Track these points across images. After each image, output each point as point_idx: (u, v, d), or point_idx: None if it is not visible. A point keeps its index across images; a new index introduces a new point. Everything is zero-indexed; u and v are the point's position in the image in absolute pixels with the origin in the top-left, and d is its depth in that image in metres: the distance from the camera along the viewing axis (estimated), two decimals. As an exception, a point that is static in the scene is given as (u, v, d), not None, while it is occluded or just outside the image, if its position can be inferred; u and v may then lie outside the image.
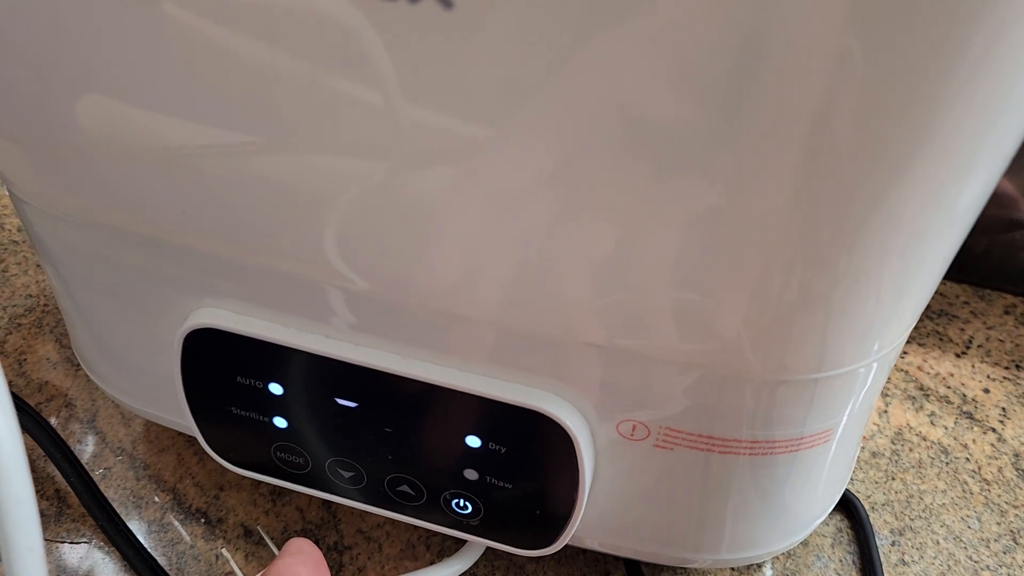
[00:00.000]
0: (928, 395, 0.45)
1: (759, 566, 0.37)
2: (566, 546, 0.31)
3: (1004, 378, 0.45)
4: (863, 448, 0.42)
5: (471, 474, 0.29)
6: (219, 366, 0.29)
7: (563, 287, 0.23)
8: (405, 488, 0.31)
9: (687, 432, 0.27)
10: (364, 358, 0.27)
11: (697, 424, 0.26)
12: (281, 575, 0.23)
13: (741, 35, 0.17)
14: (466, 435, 0.28)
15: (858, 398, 0.28)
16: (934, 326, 0.48)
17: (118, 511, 0.37)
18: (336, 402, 0.29)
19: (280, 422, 0.30)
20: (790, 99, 0.17)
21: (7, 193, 0.29)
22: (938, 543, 0.38)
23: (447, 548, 0.37)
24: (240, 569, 0.36)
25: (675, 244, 0.21)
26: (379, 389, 0.28)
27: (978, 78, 0.17)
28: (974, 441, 0.42)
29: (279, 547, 0.37)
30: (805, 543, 0.38)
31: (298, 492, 0.38)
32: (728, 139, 0.18)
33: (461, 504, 0.30)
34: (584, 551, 0.37)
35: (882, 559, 0.37)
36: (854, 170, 0.19)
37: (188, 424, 0.32)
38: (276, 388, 0.29)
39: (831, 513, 0.39)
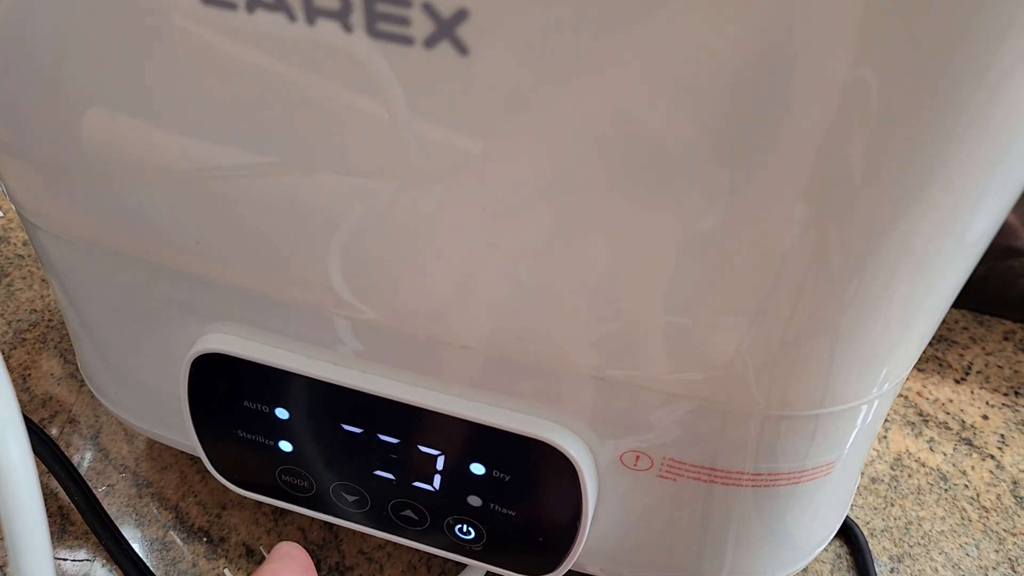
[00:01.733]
0: (927, 421, 0.45)
1: (758, 592, 0.37)
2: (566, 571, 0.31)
3: (1003, 404, 0.46)
4: (862, 473, 0.42)
5: (475, 500, 0.29)
6: (226, 390, 0.29)
7: (570, 321, 0.24)
8: (408, 513, 0.31)
9: (691, 464, 0.27)
10: (371, 386, 0.27)
11: (701, 456, 0.27)
12: None
13: (751, 60, 0.17)
14: (471, 462, 0.28)
15: (862, 430, 0.28)
16: (933, 351, 0.49)
17: (120, 529, 0.37)
18: (342, 428, 0.29)
19: (286, 446, 0.30)
20: (800, 126, 0.17)
21: (16, 212, 0.30)
22: (937, 570, 0.38)
23: (448, 570, 0.37)
24: (242, 589, 0.36)
25: (682, 276, 0.22)
26: (385, 416, 0.28)
27: (992, 108, 0.17)
28: (973, 468, 0.43)
29: (281, 567, 0.37)
30: (804, 570, 0.38)
31: (299, 513, 0.38)
32: (735, 163, 0.18)
33: (464, 529, 0.30)
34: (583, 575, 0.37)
35: (881, 586, 0.37)
36: (866, 198, 0.19)
37: (193, 445, 0.32)
38: (282, 413, 0.29)
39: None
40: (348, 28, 0.18)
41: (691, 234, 0.20)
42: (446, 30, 0.18)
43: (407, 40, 0.18)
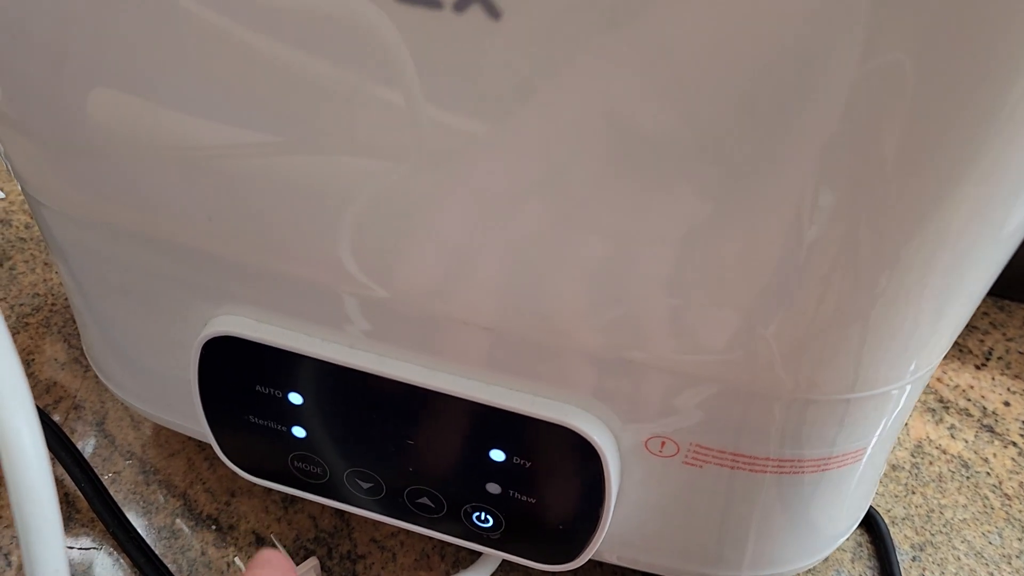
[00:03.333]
0: (948, 408, 0.44)
1: (778, 581, 0.37)
2: (585, 561, 0.30)
3: (1024, 391, 0.45)
4: (885, 461, 0.41)
5: (494, 488, 0.28)
6: (238, 375, 0.29)
7: (596, 302, 0.23)
8: (425, 500, 0.30)
9: (716, 450, 0.26)
10: (388, 369, 0.26)
11: (727, 442, 0.26)
12: None
13: (791, 41, 0.16)
14: (490, 449, 0.27)
15: (890, 419, 0.27)
16: (953, 337, 0.48)
17: (127, 516, 0.36)
18: (358, 413, 0.28)
19: (299, 432, 0.30)
20: (837, 113, 0.17)
21: (18, 194, 0.29)
22: (959, 559, 0.37)
23: (462, 559, 0.36)
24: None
25: (712, 258, 0.21)
26: (402, 401, 0.27)
27: None
28: (995, 455, 0.42)
29: (292, 556, 0.36)
30: (825, 558, 0.37)
31: (311, 500, 0.37)
32: (768, 148, 0.18)
33: (482, 517, 0.30)
34: (601, 564, 0.36)
35: (903, 575, 0.37)
36: (900, 187, 0.18)
37: (203, 431, 0.31)
38: (296, 398, 0.28)
39: (851, 527, 0.38)
40: (373, -10, 0.17)
41: (723, 219, 0.20)
42: (477, -8, 0.17)
43: (435, 3, 0.17)
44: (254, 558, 0.24)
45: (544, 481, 0.28)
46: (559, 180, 0.20)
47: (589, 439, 0.26)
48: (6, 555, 0.35)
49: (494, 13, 0.17)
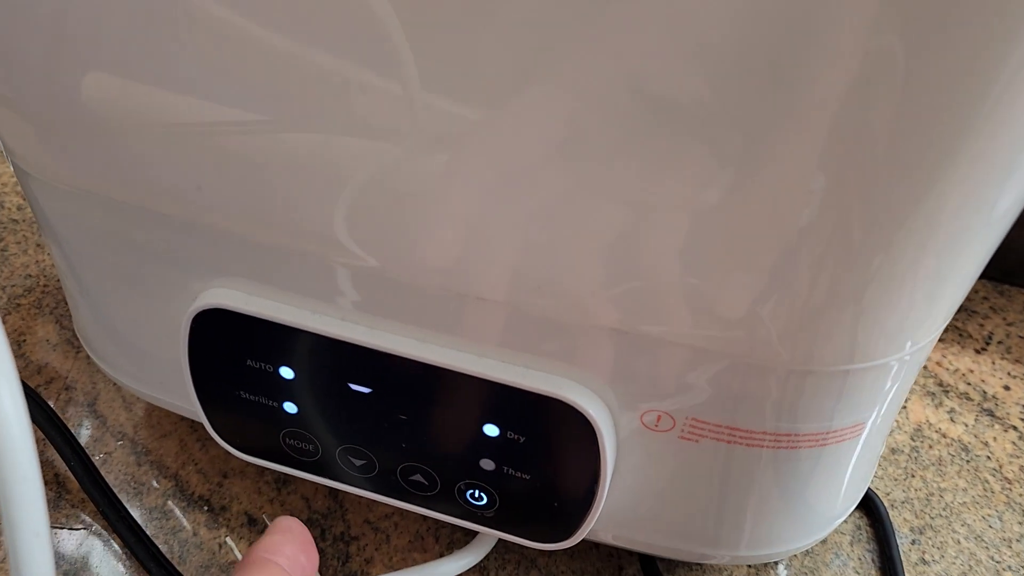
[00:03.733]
0: (948, 391, 0.44)
1: (776, 564, 0.36)
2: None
3: (1024, 375, 0.45)
4: (884, 442, 0.41)
5: (487, 464, 0.28)
6: (228, 349, 0.28)
7: (591, 273, 0.22)
8: (418, 478, 0.30)
9: (713, 423, 0.26)
10: (379, 342, 0.26)
11: (723, 415, 0.25)
12: (268, 550, 0.23)
13: (785, 25, 0.16)
14: (484, 424, 0.27)
15: (887, 395, 0.27)
16: (953, 321, 0.47)
17: (119, 497, 0.36)
18: (349, 387, 0.28)
19: (290, 407, 0.29)
20: (831, 96, 0.17)
21: (11, 167, 0.28)
22: (959, 542, 0.37)
23: (456, 540, 0.36)
24: (244, 558, 0.35)
25: (704, 230, 0.21)
26: (394, 374, 0.27)
27: (1020, 84, 0.17)
28: (995, 439, 0.41)
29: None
30: (823, 541, 0.37)
31: (304, 480, 0.37)
32: (762, 128, 0.18)
33: (476, 495, 0.29)
34: (597, 545, 0.36)
35: (902, 558, 0.36)
36: (893, 168, 0.18)
37: (194, 409, 0.31)
38: (287, 372, 0.28)
39: (849, 510, 0.38)
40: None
41: (718, 197, 0.20)
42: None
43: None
44: (274, 523, 0.24)
45: (538, 457, 0.27)
46: (555, 150, 0.20)
47: (584, 412, 0.25)
48: (-5, 535, 0.35)
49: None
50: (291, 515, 0.36)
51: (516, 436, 0.27)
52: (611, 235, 0.21)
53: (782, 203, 0.19)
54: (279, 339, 0.27)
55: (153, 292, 0.29)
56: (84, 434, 0.39)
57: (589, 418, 0.25)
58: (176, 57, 0.21)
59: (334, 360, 0.27)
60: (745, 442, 0.26)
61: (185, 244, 0.27)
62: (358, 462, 0.30)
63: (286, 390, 0.29)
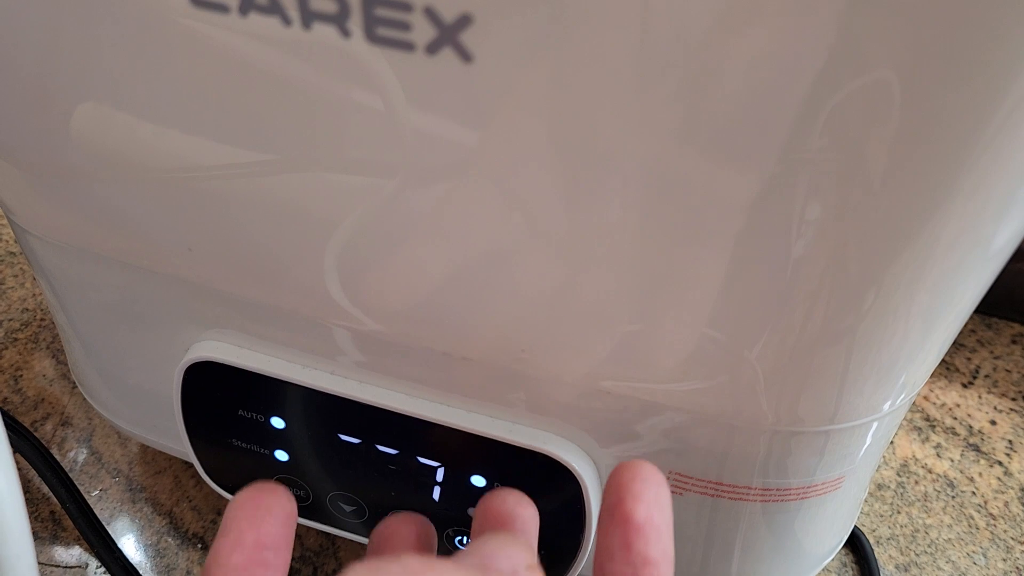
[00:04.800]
0: (934, 426, 0.44)
1: (763, 601, 0.37)
2: (569, 583, 0.30)
3: (1011, 409, 0.45)
4: (869, 481, 0.42)
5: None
6: (220, 399, 0.29)
7: (576, 334, 0.23)
8: (407, 524, 0.30)
9: (697, 478, 0.26)
10: (369, 396, 0.26)
11: (708, 471, 0.26)
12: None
13: (771, 62, 0.16)
14: (471, 474, 0.27)
15: (874, 444, 0.27)
16: (940, 354, 0.48)
17: (113, 533, 0.36)
18: (340, 438, 0.28)
19: (282, 455, 0.30)
20: (819, 129, 0.17)
21: (6, 219, 0.29)
22: (943, 580, 0.38)
23: (447, 578, 0.36)
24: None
25: (690, 284, 0.21)
26: (384, 427, 0.27)
27: (1020, 114, 0.16)
28: (980, 474, 0.42)
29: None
30: (810, 579, 0.37)
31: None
32: (750, 167, 0.18)
33: (464, 542, 0.30)
34: (586, 584, 0.36)
35: (887, 596, 0.37)
36: (887, 205, 0.18)
37: (187, 452, 0.31)
38: (278, 422, 0.28)
39: (836, 547, 0.38)
40: (346, 33, 0.17)
41: (705, 242, 0.20)
42: (448, 36, 0.17)
43: (408, 46, 0.17)
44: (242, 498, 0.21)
45: (525, 507, 0.28)
46: (540, 212, 0.20)
47: (569, 466, 0.26)
48: (-9, 574, 0.35)
49: (466, 57, 0.17)
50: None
51: (503, 487, 0.27)
52: (594, 299, 0.22)
53: (774, 246, 0.19)
54: (270, 391, 0.28)
55: (146, 341, 0.30)
56: (80, 470, 0.39)
57: (574, 472, 0.26)
58: (166, 109, 0.21)
59: (324, 412, 0.28)
60: (729, 496, 0.27)
61: (177, 299, 0.27)
62: (349, 508, 0.31)
63: (277, 439, 0.29)
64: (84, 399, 0.42)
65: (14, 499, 0.22)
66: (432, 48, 0.17)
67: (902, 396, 0.26)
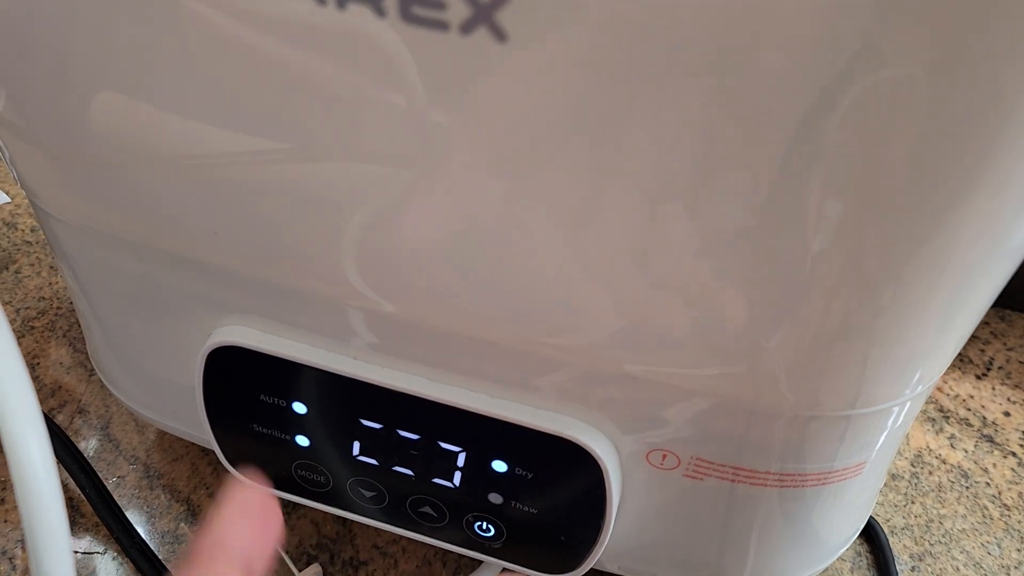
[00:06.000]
0: (948, 417, 0.44)
1: (778, 590, 0.37)
2: (585, 570, 0.30)
3: (1024, 401, 0.45)
4: (886, 471, 0.42)
5: (496, 498, 0.28)
6: (242, 384, 0.29)
7: (602, 316, 0.23)
8: (427, 509, 0.30)
9: (718, 463, 0.26)
10: (391, 381, 0.27)
11: (728, 456, 0.26)
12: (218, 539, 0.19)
13: (797, 55, 0.16)
14: (492, 460, 0.27)
15: (892, 432, 0.27)
16: (954, 346, 0.48)
17: (131, 521, 0.36)
18: (361, 423, 0.28)
19: (302, 441, 0.30)
20: (845, 122, 0.17)
21: (24, 198, 0.29)
22: (958, 569, 0.38)
23: (463, 565, 0.37)
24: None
25: (713, 271, 0.21)
26: (406, 412, 0.27)
27: None
28: (994, 465, 0.42)
29: (295, 561, 0.36)
30: (825, 568, 0.37)
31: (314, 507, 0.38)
32: (774, 161, 0.18)
33: (484, 527, 0.30)
34: (602, 574, 0.36)
35: (902, 585, 0.37)
36: (910, 200, 0.18)
37: (207, 438, 0.32)
38: (300, 407, 0.29)
39: (850, 537, 0.38)
40: (381, 12, 0.17)
41: (727, 232, 0.20)
42: (484, 14, 0.17)
43: (442, 25, 0.17)
44: (227, 498, 0.20)
45: (546, 492, 0.28)
46: (564, 195, 0.20)
47: (590, 451, 0.26)
48: (11, 559, 0.36)
49: (500, 36, 0.17)
50: (301, 540, 0.36)
51: (524, 472, 0.27)
52: (620, 278, 0.22)
53: (795, 238, 0.19)
54: (292, 376, 0.28)
55: (168, 326, 0.30)
56: (97, 457, 0.40)
57: (595, 456, 0.26)
58: (190, 98, 0.21)
59: (346, 397, 0.28)
60: (749, 481, 0.27)
61: (201, 283, 0.27)
62: (368, 493, 0.31)
63: (298, 424, 0.29)
64: (101, 387, 0.42)
65: (51, 482, 0.22)
66: (467, 27, 0.17)
67: (920, 386, 0.26)
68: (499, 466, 0.28)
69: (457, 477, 0.29)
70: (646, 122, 0.18)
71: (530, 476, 0.27)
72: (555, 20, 0.17)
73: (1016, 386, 0.46)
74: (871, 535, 0.38)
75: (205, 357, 0.28)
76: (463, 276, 0.23)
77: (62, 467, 0.36)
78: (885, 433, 0.27)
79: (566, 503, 0.28)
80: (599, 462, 0.26)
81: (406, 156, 0.21)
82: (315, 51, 0.19)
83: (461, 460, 0.28)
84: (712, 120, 0.18)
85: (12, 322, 0.45)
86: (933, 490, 0.41)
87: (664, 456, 0.27)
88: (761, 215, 0.19)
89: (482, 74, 0.18)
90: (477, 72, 0.18)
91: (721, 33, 0.16)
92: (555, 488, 0.28)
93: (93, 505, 0.36)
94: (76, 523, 0.37)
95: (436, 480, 0.29)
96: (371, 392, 0.27)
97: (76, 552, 0.36)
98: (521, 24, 0.17)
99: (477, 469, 0.28)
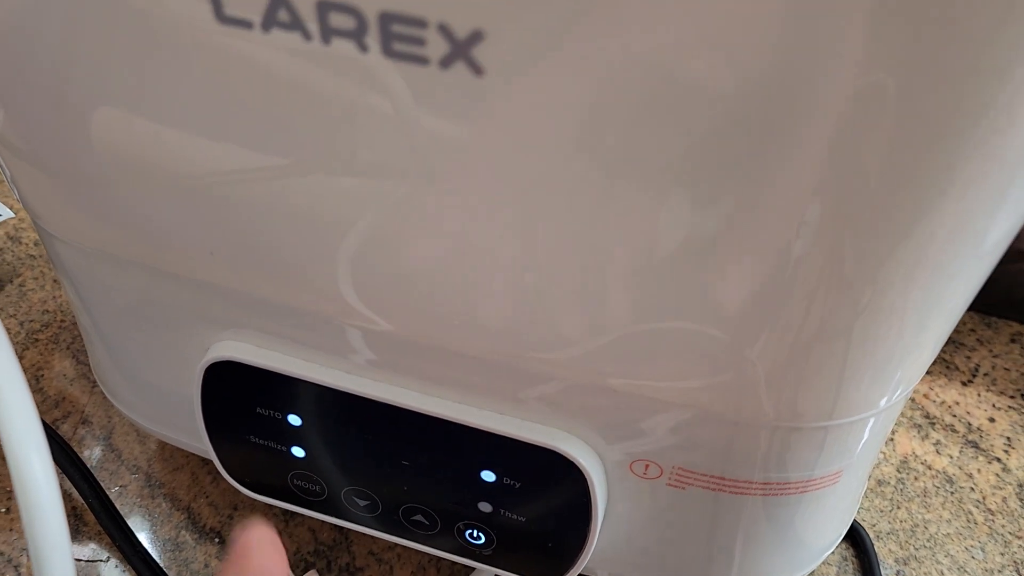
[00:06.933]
0: (934, 423, 0.45)
1: (765, 594, 0.38)
2: None
3: (1009, 407, 0.46)
4: (868, 476, 0.42)
5: (485, 507, 0.29)
6: (239, 397, 0.30)
7: (583, 331, 0.24)
8: (419, 518, 0.31)
9: (700, 473, 0.27)
10: (384, 394, 0.27)
11: (710, 465, 0.27)
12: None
13: (767, 62, 0.16)
14: (481, 470, 0.28)
15: (872, 438, 0.28)
16: (940, 354, 0.49)
17: (133, 529, 0.37)
18: (354, 435, 0.29)
19: (298, 452, 0.31)
20: (815, 128, 0.17)
21: (32, 223, 0.30)
22: (943, 573, 0.38)
23: (457, 571, 0.37)
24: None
25: (694, 280, 0.21)
26: (398, 424, 0.28)
27: (1013, 112, 0.17)
28: (979, 471, 0.43)
29: (293, 568, 0.37)
30: (810, 573, 0.38)
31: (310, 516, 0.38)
32: (746, 164, 0.18)
33: (475, 535, 0.31)
34: (592, 578, 0.37)
35: (887, 589, 0.37)
36: (882, 204, 0.18)
37: (206, 449, 0.32)
38: (295, 420, 0.30)
39: (837, 542, 0.39)
40: (363, 48, 0.18)
41: (703, 240, 0.20)
42: (461, 51, 0.18)
43: (422, 60, 0.18)
44: (236, 544, 0.21)
45: (533, 501, 0.29)
46: (551, 211, 0.21)
47: (575, 462, 0.27)
48: (16, 566, 0.36)
49: (477, 71, 0.18)
50: (298, 547, 0.37)
51: (512, 482, 0.28)
52: (604, 289, 0.22)
53: (771, 244, 0.20)
54: (288, 389, 0.29)
55: (167, 341, 0.31)
56: (100, 467, 0.40)
57: (580, 467, 0.27)
58: (190, 117, 0.22)
59: (340, 410, 0.29)
60: (731, 489, 0.28)
61: (199, 300, 0.28)
62: (362, 502, 0.32)
63: (294, 436, 0.30)
64: (103, 398, 0.43)
65: (52, 492, 0.23)
66: (445, 62, 0.18)
67: (898, 392, 0.26)
68: (488, 476, 0.28)
69: (447, 487, 0.29)
70: (621, 141, 0.19)
71: (518, 486, 0.28)
72: (528, 57, 0.17)
73: (1001, 392, 0.47)
74: (856, 540, 0.39)
75: (203, 371, 0.29)
76: (453, 296, 0.24)
77: (66, 477, 0.37)
78: (863, 441, 0.28)
79: (553, 511, 0.29)
80: (584, 472, 0.27)
81: (395, 178, 0.21)
82: (306, 79, 0.20)
83: (451, 471, 0.29)
84: (686, 130, 0.18)
85: (16, 335, 0.46)
86: (918, 495, 0.42)
87: (647, 466, 0.27)
88: (740, 224, 0.19)
89: (463, 104, 0.19)
90: (458, 102, 0.19)
91: (695, 42, 0.16)
92: (542, 497, 0.28)
93: (96, 514, 0.37)
94: (79, 531, 0.38)
95: (427, 490, 0.30)
96: (364, 405, 0.28)
97: (80, 560, 0.37)
98: (497, 60, 0.18)
99: (467, 479, 0.29)
